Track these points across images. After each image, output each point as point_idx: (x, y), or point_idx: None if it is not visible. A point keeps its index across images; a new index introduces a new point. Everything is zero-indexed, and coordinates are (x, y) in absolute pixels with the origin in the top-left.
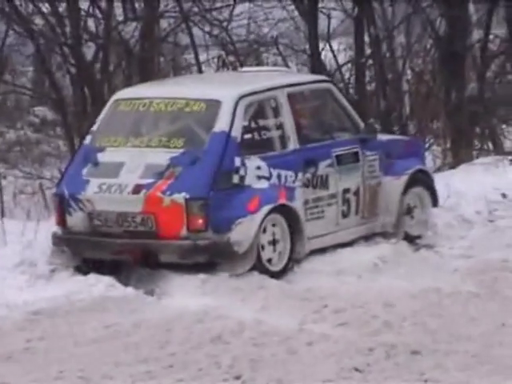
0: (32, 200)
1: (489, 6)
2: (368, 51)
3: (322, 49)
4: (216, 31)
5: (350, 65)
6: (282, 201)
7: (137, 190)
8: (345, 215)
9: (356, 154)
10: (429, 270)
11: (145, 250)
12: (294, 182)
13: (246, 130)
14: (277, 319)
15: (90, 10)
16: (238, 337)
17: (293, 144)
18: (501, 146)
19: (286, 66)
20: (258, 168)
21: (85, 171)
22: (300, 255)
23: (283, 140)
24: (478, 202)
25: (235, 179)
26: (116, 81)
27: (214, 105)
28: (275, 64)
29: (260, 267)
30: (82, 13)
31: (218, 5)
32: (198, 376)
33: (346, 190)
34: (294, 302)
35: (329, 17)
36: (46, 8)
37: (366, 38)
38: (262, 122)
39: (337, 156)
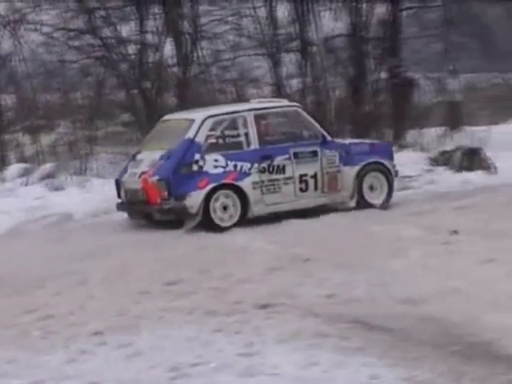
0: None
1: None
2: None
3: None
4: None
5: None
6: (228, 181)
7: (140, 175)
8: (303, 190)
9: (315, 151)
10: None
11: (145, 211)
12: (249, 169)
13: (213, 136)
14: None
15: None
16: None
17: (254, 145)
18: None
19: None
20: (216, 161)
21: (129, 164)
22: (250, 215)
23: (247, 143)
24: None
25: (194, 168)
26: None
27: (191, 122)
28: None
29: (211, 224)
30: None
31: None
32: None
33: (304, 175)
34: None
35: None
36: None
37: None
38: (230, 132)
39: (294, 153)
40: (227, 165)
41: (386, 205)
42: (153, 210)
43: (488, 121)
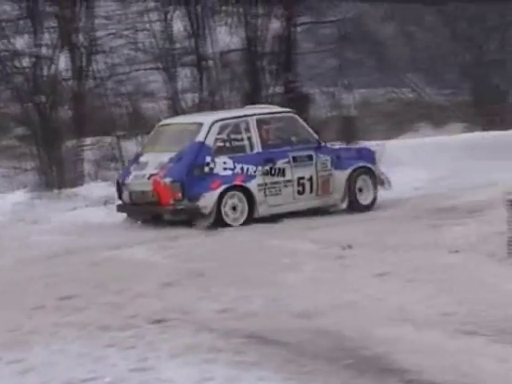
0: None
1: None
2: None
3: None
4: None
5: None
6: (238, 182)
7: (149, 177)
8: (300, 193)
9: (310, 156)
10: None
11: (155, 212)
12: (254, 172)
13: (220, 140)
14: None
15: None
16: None
17: (257, 149)
18: None
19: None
20: (225, 163)
21: (132, 167)
22: (256, 216)
23: (251, 146)
24: None
25: (206, 170)
26: None
27: (199, 125)
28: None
29: (223, 223)
30: None
31: None
32: None
33: (301, 178)
34: None
35: None
36: None
37: None
38: (235, 136)
39: (293, 157)
40: (235, 167)
41: (373, 205)
42: (164, 211)
43: (383, 136)
